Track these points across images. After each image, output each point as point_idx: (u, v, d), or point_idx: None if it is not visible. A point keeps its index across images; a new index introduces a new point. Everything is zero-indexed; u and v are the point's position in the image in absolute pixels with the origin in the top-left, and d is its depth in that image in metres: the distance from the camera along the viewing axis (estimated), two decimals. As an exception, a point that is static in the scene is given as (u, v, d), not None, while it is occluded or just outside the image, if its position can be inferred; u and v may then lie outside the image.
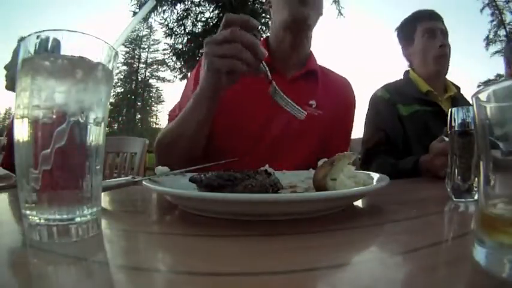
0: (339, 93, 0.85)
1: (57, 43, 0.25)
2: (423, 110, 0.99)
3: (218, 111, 0.63)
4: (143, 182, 0.39)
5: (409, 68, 1.13)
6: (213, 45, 0.50)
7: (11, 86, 1.49)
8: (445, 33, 1.05)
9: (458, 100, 1.05)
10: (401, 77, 1.14)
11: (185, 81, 0.84)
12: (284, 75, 0.78)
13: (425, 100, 1.01)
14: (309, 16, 0.75)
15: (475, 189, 0.41)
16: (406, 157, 0.87)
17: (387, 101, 1.02)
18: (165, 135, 0.70)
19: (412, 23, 1.09)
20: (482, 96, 0.20)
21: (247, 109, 0.74)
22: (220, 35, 0.49)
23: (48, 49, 0.26)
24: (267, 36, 0.85)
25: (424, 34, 1.04)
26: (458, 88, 1.09)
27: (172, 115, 0.77)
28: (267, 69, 0.51)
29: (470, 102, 0.21)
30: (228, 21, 0.50)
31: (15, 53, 1.44)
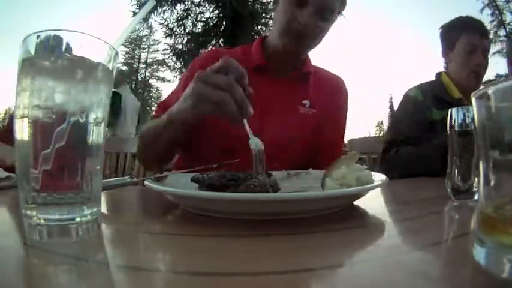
0: (331, 91, 0.86)
1: (60, 41, 0.25)
2: None
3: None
4: (145, 182, 0.39)
5: (443, 71, 1.11)
6: (206, 85, 0.49)
7: None
8: (487, 50, 1.04)
9: None
10: (433, 79, 1.12)
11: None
12: (278, 76, 0.79)
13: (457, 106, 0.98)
14: (304, 50, 0.77)
15: (475, 189, 0.41)
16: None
17: (420, 103, 1.00)
18: (146, 133, 0.71)
19: (459, 29, 1.06)
20: (482, 96, 0.20)
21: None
22: (217, 78, 0.49)
23: (55, 47, 0.26)
24: (265, 36, 0.85)
25: (466, 47, 1.02)
26: None
27: (158, 110, 0.78)
28: (248, 128, 0.49)
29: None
30: (225, 66, 0.50)
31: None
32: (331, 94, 0.86)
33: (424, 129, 0.95)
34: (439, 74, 1.11)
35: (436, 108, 0.98)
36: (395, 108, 1.07)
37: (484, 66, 1.02)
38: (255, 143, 0.48)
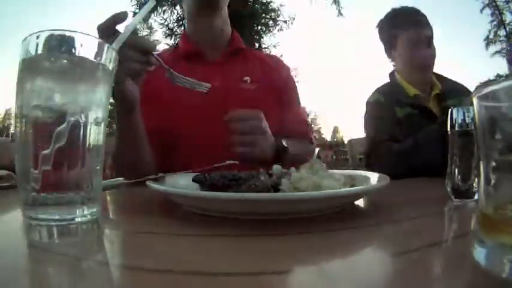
0: (271, 67, 0.88)
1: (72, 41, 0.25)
2: (415, 113, 0.98)
3: (156, 118, 0.70)
4: (147, 182, 0.39)
5: (395, 70, 1.11)
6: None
7: None
8: (429, 37, 1.00)
9: (444, 95, 1.02)
10: (387, 81, 1.12)
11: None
12: (208, 59, 0.81)
13: (414, 104, 1.00)
14: (218, 3, 0.78)
15: (475, 189, 0.41)
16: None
17: (383, 104, 1.01)
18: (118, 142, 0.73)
19: (395, 27, 1.05)
20: (482, 96, 0.20)
21: (178, 103, 0.75)
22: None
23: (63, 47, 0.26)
24: (185, 27, 0.88)
25: (408, 43, 1.01)
26: (443, 83, 1.05)
27: None
28: (159, 58, 0.54)
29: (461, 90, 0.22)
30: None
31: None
32: (271, 69, 0.88)
33: (395, 128, 0.96)
34: (393, 74, 1.11)
35: (398, 107, 0.99)
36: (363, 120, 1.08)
37: (431, 55, 1.01)
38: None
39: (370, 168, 0.98)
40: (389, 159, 0.91)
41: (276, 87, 0.86)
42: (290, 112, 0.87)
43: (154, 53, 0.53)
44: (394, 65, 1.12)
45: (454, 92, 1.01)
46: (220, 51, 0.83)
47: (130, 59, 0.51)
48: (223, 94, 0.76)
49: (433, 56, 1.02)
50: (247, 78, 0.82)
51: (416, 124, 0.94)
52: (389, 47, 1.09)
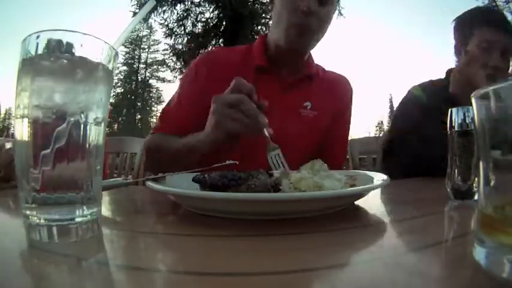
0: (335, 92, 0.85)
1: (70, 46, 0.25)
2: None
3: None
4: (146, 182, 0.39)
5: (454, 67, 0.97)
6: (223, 105, 0.54)
7: None
8: (506, 47, 0.84)
9: None
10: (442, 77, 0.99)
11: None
12: (280, 79, 0.78)
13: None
14: (308, 45, 0.75)
15: (475, 189, 0.41)
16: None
17: (422, 102, 0.91)
18: (158, 150, 0.71)
19: (473, 23, 0.90)
20: (482, 96, 0.20)
21: None
22: (230, 98, 0.54)
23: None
24: (266, 34, 0.83)
25: (480, 43, 0.86)
26: None
27: (164, 124, 0.77)
28: (269, 136, 0.56)
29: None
30: (237, 86, 0.55)
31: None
32: (335, 95, 0.84)
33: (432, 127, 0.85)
34: (449, 71, 0.98)
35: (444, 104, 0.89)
36: (396, 107, 1.03)
37: (502, 69, 0.84)
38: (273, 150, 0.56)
39: (387, 161, 0.94)
40: (407, 158, 0.84)
41: (336, 113, 0.83)
42: (336, 139, 0.85)
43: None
44: (457, 66, 0.97)
45: None
46: (292, 74, 0.79)
47: (245, 123, 0.53)
48: (279, 117, 0.73)
49: (506, 70, 0.87)
50: (307, 103, 0.79)
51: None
52: (461, 43, 0.93)
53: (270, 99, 0.71)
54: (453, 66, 0.98)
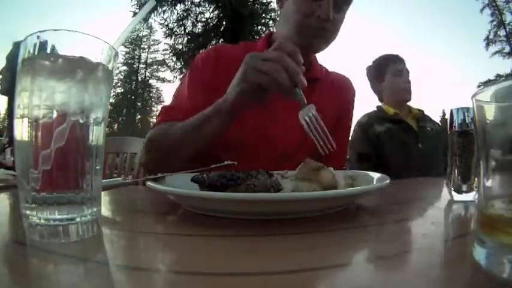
0: (339, 94, 0.84)
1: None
2: (395, 127, 1.27)
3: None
4: (147, 182, 0.39)
5: (380, 103, 1.41)
6: (256, 59, 0.51)
7: (4, 90, 1.49)
8: (407, 72, 1.37)
9: (423, 118, 1.35)
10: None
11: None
12: None
13: (394, 119, 1.30)
14: (321, 48, 0.73)
15: (475, 189, 0.41)
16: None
17: (365, 124, 1.30)
18: (164, 136, 0.68)
19: (384, 64, 1.39)
20: (482, 97, 0.20)
21: (246, 117, 0.71)
22: (267, 53, 0.50)
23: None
24: (271, 33, 0.82)
25: (394, 73, 1.35)
26: (421, 111, 1.38)
27: (170, 113, 0.74)
28: (303, 97, 0.52)
29: (467, 102, 0.22)
30: (279, 46, 0.51)
31: (10, 57, 1.43)
32: (339, 98, 0.84)
33: (373, 143, 1.25)
34: (379, 106, 1.41)
35: (377, 124, 1.28)
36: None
37: (410, 82, 1.36)
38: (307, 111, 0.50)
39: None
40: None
41: (338, 116, 0.82)
42: (338, 141, 0.84)
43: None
44: (380, 99, 1.42)
45: (430, 120, 1.38)
46: None
47: (278, 78, 0.48)
48: (283, 121, 0.72)
49: (410, 83, 1.36)
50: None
51: (396, 136, 1.25)
52: (378, 80, 1.40)
53: (273, 100, 0.70)
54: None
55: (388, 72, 1.36)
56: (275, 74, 0.48)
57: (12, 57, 1.40)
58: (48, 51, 0.25)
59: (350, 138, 1.13)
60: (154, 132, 0.72)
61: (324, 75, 0.83)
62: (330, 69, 0.88)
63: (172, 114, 0.73)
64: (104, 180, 0.45)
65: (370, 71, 1.45)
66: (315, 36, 0.70)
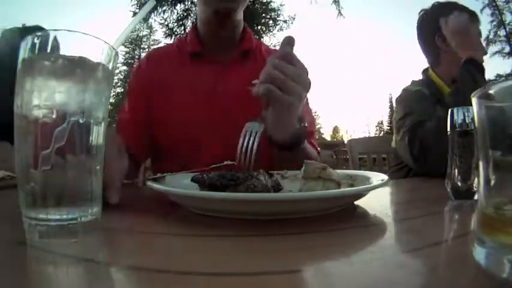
0: None
1: (57, 44, 0.25)
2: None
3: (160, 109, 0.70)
4: (146, 182, 0.39)
5: (428, 67, 1.05)
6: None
7: None
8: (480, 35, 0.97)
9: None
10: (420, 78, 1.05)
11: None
12: (219, 61, 0.76)
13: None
14: (235, 10, 0.72)
15: (475, 189, 0.41)
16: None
17: (428, 97, 0.93)
18: None
19: (438, 17, 0.95)
20: (482, 96, 0.20)
21: (186, 99, 0.73)
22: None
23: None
24: (196, 23, 0.82)
25: (465, 19, 0.91)
26: None
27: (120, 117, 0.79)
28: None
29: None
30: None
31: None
32: None
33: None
34: (425, 71, 1.05)
35: (439, 106, 0.87)
36: (398, 105, 0.98)
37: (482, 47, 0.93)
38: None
39: (417, 156, 0.84)
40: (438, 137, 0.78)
41: None
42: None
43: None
44: (432, 62, 1.04)
45: None
46: (229, 53, 0.78)
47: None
48: (228, 98, 0.72)
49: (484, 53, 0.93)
50: (256, 81, 0.78)
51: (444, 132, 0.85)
52: (439, 36, 0.98)
53: (213, 83, 0.67)
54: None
55: (453, 15, 0.93)
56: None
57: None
58: (48, 51, 0.25)
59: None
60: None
61: (257, 46, 0.82)
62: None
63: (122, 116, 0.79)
64: None
65: (424, 20, 1.04)
66: (218, 17, 0.71)
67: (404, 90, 1.01)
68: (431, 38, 1.00)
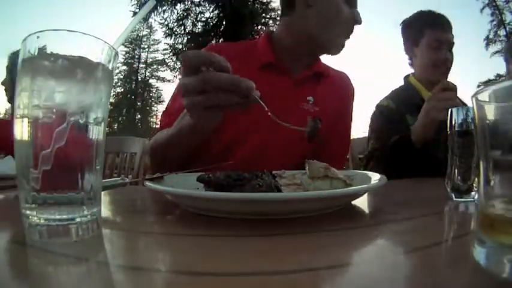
0: (337, 89, 0.85)
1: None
2: None
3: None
4: (145, 182, 0.39)
5: (410, 73, 1.12)
6: (192, 96, 0.44)
7: (11, 99, 1.51)
8: (451, 43, 1.03)
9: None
10: (401, 84, 1.13)
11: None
12: (289, 75, 0.77)
13: None
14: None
15: (475, 189, 0.41)
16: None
17: (395, 110, 1.01)
18: (158, 145, 0.69)
19: (421, 26, 1.06)
20: (482, 96, 0.20)
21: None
22: (192, 83, 0.43)
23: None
24: (271, 32, 0.82)
25: (431, 43, 1.02)
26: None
27: (163, 119, 0.76)
28: (260, 100, 0.44)
29: (467, 102, 0.22)
30: (191, 63, 0.45)
31: (10, 67, 1.44)
32: (337, 92, 0.85)
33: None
34: (406, 77, 1.12)
35: (409, 115, 0.97)
36: (370, 123, 1.08)
37: (450, 61, 1.03)
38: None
39: (369, 169, 0.97)
40: (392, 161, 0.88)
41: (338, 113, 0.83)
42: (338, 139, 0.85)
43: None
44: (410, 64, 1.12)
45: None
46: (301, 70, 0.79)
47: (229, 103, 0.44)
48: (281, 112, 0.72)
49: (452, 62, 1.04)
50: (310, 98, 0.78)
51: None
52: (412, 43, 1.09)
53: (275, 95, 0.69)
54: (407, 69, 1.13)
55: (424, 38, 1.04)
56: (219, 103, 0.44)
57: (12, 66, 1.41)
58: (48, 51, 0.25)
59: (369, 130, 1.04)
60: (153, 139, 0.74)
61: (325, 70, 0.84)
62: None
63: (164, 119, 0.75)
64: (104, 180, 0.45)
65: (405, 27, 1.14)
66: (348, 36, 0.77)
67: (376, 106, 1.08)
68: (408, 47, 1.12)
